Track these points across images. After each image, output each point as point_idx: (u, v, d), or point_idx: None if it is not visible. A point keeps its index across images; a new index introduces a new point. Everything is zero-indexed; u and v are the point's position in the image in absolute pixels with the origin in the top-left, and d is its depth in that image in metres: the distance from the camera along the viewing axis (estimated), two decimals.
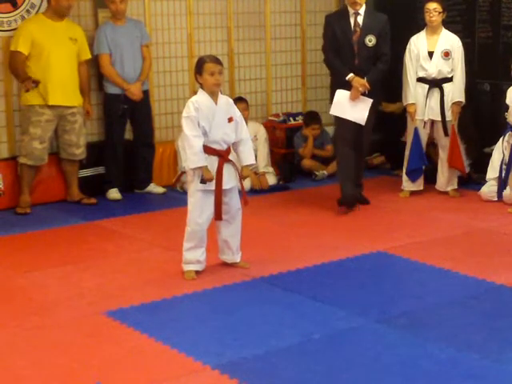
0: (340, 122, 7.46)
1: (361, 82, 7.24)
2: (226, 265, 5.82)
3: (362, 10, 7.39)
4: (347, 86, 7.33)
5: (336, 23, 7.45)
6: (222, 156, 5.54)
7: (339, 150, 7.61)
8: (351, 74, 7.27)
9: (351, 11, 7.39)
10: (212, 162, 5.50)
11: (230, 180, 5.60)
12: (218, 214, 5.57)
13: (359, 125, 7.36)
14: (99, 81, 8.17)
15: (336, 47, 7.42)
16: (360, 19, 7.38)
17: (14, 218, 7.39)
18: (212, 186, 5.49)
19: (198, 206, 5.55)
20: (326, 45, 7.56)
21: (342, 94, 7.36)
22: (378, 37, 7.37)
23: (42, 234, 6.88)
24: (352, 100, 7.31)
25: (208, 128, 5.47)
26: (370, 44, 7.36)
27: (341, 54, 7.39)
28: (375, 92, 7.39)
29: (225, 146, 5.57)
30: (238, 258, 5.82)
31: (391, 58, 7.44)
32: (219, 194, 5.52)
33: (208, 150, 5.48)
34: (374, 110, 7.43)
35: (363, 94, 7.28)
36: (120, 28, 7.96)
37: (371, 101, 7.30)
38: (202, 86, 5.53)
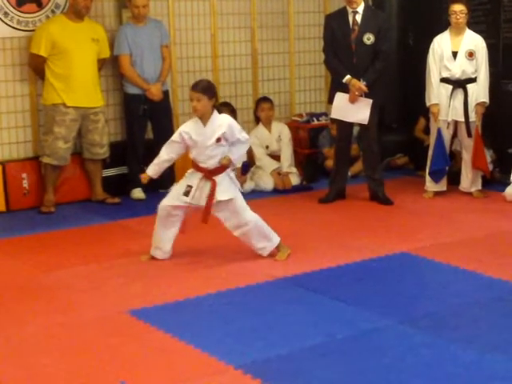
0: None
1: (357, 86, 7.21)
2: (248, 265, 5.84)
3: (360, 9, 7.37)
4: (346, 87, 7.32)
5: (335, 23, 7.44)
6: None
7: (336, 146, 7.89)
8: (348, 77, 7.26)
9: (349, 10, 7.38)
10: None
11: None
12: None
13: (362, 124, 7.44)
14: (119, 81, 8.21)
15: (335, 47, 7.40)
16: (358, 17, 7.36)
17: (38, 217, 7.43)
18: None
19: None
20: (326, 45, 7.55)
21: (341, 97, 7.36)
22: (377, 35, 7.34)
23: (66, 233, 6.91)
24: (351, 102, 7.29)
25: None
26: (368, 42, 7.33)
27: (339, 54, 7.37)
28: (375, 91, 7.35)
29: None
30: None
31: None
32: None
33: None
34: (376, 108, 7.40)
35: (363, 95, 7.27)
36: (140, 29, 7.97)
37: (371, 101, 7.27)
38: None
